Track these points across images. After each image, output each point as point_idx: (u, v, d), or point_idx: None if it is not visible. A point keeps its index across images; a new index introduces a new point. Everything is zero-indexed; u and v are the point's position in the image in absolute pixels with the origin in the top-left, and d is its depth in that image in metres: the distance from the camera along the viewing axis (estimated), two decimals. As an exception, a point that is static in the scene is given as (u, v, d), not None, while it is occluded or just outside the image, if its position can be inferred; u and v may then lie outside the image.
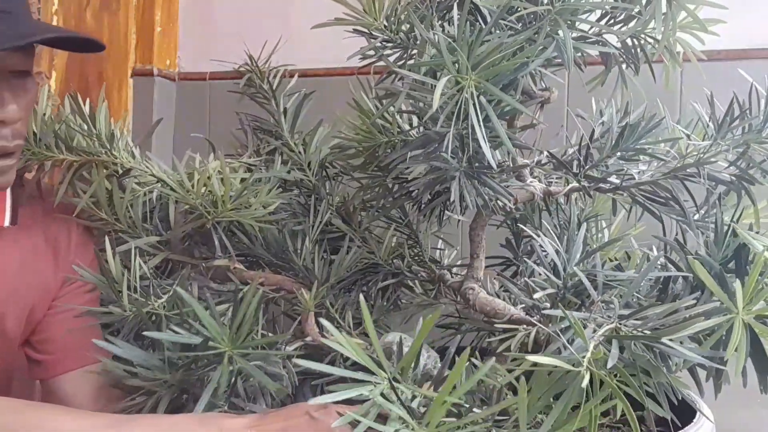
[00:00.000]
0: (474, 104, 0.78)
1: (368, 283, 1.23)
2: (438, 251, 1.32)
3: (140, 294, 1.01)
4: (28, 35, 0.95)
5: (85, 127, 1.12)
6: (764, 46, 1.44)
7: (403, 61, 1.00)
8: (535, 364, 0.67)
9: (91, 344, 1.04)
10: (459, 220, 1.14)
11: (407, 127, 1.10)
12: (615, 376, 0.71)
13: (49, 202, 1.13)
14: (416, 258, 1.24)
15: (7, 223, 1.06)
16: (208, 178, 1.05)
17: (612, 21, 1.03)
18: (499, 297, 1.07)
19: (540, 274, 0.94)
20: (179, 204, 1.10)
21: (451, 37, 0.80)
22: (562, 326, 0.77)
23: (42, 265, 1.13)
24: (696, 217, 1.04)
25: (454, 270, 1.22)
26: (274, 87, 1.32)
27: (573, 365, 0.68)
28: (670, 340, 0.73)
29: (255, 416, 0.92)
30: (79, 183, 1.14)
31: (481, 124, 0.78)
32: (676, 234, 1.01)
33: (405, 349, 1.02)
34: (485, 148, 0.79)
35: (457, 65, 0.78)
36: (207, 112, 1.83)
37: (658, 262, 0.91)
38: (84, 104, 1.13)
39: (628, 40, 1.03)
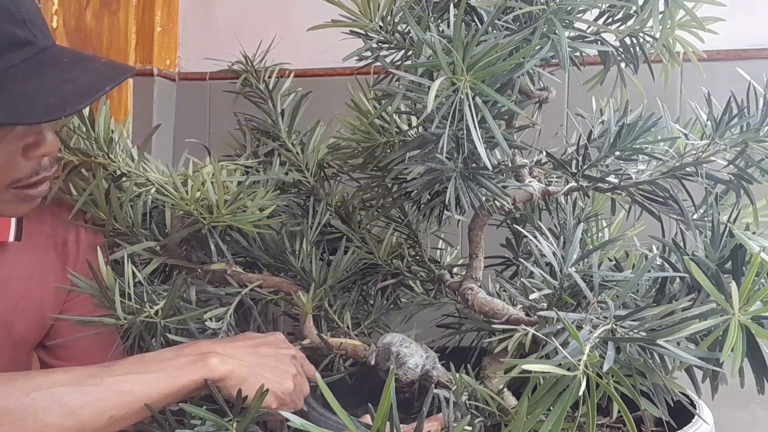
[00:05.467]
0: (469, 105, 0.78)
1: (368, 283, 1.23)
2: (438, 251, 1.32)
3: (135, 301, 1.01)
4: (94, 89, 0.93)
5: (84, 129, 1.12)
6: (764, 46, 1.44)
7: (400, 62, 1.00)
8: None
9: (107, 348, 1.05)
10: (459, 220, 1.14)
11: (406, 127, 1.10)
12: (611, 377, 0.71)
13: (53, 205, 1.13)
14: (416, 258, 1.23)
15: (11, 238, 1.06)
16: (202, 183, 1.05)
17: (610, 20, 1.03)
18: (499, 297, 1.07)
19: (538, 275, 0.94)
20: (175, 209, 1.10)
21: (447, 37, 0.80)
22: (558, 327, 0.77)
23: (50, 271, 1.13)
24: (695, 216, 1.03)
25: (454, 270, 1.22)
26: (270, 87, 1.32)
27: (569, 369, 0.68)
28: (667, 341, 0.73)
29: (228, 338, 1.04)
30: (80, 181, 1.14)
31: (477, 124, 0.78)
32: (676, 234, 1.01)
33: (405, 351, 1.02)
34: (480, 148, 0.79)
35: (452, 66, 0.78)
36: (207, 112, 1.83)
37: (657, 263, 0.91)
38: (85, 106, 1.13)
39: (627, 39, 1.03)
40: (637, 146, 1.00)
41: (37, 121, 0.90)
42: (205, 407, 0.90)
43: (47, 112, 0.89)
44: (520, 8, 0.86)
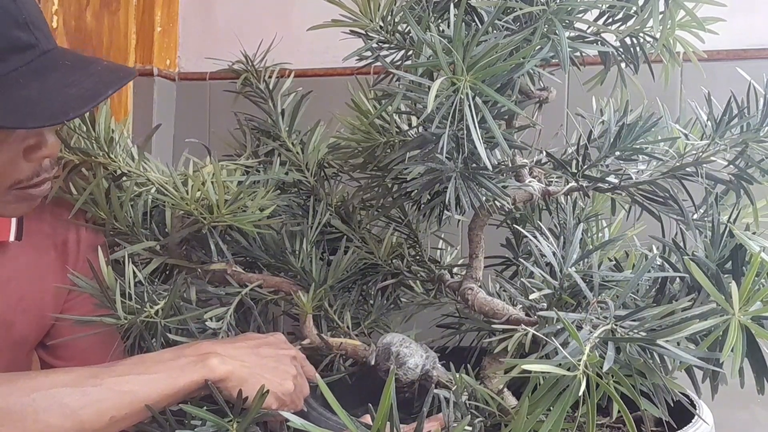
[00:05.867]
0: (469, 105, 0.78)
1: (368, 283, 1.23)
2: (438, 251, 1.32)
3: (135, 301, 1.01)
4: (95, 94, 0.92)
5: (84, 128, 1.12)
6: (764, 46, 1.44)
7: (400, 62, 1.00)
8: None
9: (108, 347, 1.05)
10: (459, 220, 1.14)
11: (406, 127, 1.10)
12: (611, 377, 0.71)
13: (54, 204, 1.13)
14: (416, 258, 1.23)
15: (12, 238, 1.07)
16: (202, 183, 1.05)
17: (610, 20, 1.03)
18: (499, 297, 1.07)
19: (538, 275, 0.94)
20: (175, 209, 1.10)
21: (447, 37, 0.80)
22: (558, 327, 0.77)
23: (50, 271, 1.13)
24: (695, 216, 1.03)
25: (454, 270, 1.22)
26: (270, 87, 1.32)
27: (568, 369, 0.68)
28: (666, 341, 0.73)
29: (228, 338, 1.04)
30: (80, 181, 1.14)
31: (477, 124, 0.78)
32: (676, 234, 1.01)
33: (405, 351, 1.02)
34: (480, 148, 0.79)
35: (452, 66, 0.78)
36: (207, 112, 1.83)
37: (657, 263, 0.91)
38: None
39: (627, 39, 1.03)
40: (637, 146, 1.00)
41: (40, 126, 0.90)
42: (205, 408, 0.90)
43: (50, 116, 0.89)
44: (520, 8, 0.86)
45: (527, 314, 0.98)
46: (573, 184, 1.03)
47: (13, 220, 1.07)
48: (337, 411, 0.66)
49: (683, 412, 0.95)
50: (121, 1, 1.81)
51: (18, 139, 0.94)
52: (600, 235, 1.21)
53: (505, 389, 1.01)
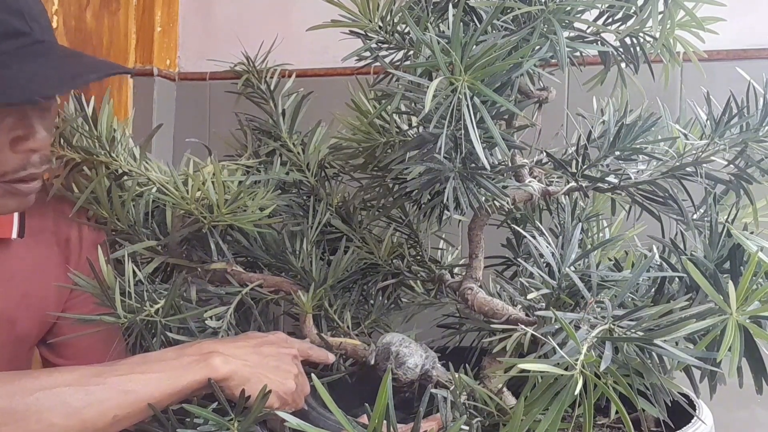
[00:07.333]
0: (467, 105, 0.78)
1: (368, 283, 1.23)
2: (439, 251, 1.32)
3: (135, 300, 1.01)
4: (76, 76, 0.93)
5: (86, 127, 1.13)
6: (764, 46, 1.44)
7: (399, 62, 1.01)
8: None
9: (109, 346, 1.06)
10: (459, 220, 1.14)
11: (406, 127, 1.10)
12: (609, 376, 0.71)
13: (56, 201, 1.14)
14: (416, 258, 1.23)
15: (14, 235, 1.07)
16: (203, 183, 1.05)
17: (610, 20, 1.03)
18: (499, 297, 1.07)
19: (537, 275, 0.94)
20: (176, 208, 1.10)
21: (446, 38, 0.80)
22: (556, 327, 0.77)
23: (52, 269, 1.13)
24: (695, 216, 1.03)
25: (455, 270, 1.22)
26: (271, 87, 1.32)
27: (566, 369, 0.68)
28: (664, 341, 0.73)
29: (230, 337, 1.04)
30: (82, 179, 1.14)
31: (475, 124, 0.78)
32: (675, 234, 1.01)
33: (404, 350, 1.02)
34: (478, 148, 0.79)
35: (450, 66, 0.78)
36: (207, 112, 1.83)
37: (656, 263, 0.91)
38: (87, 104, 1.13)
39: (627, 39, 1.03)
40: (637, 146, 1.00)
41: (6, 101, 0.90)
42: (209, 408, 0.90)
43: (22, 93, 0.89)
44: (518, 8, 0.86)
45: (527, 314, 0.98)
46: (573, 184, 1.03)
47: (16, 217, 1.07)
48: (333, 410, 0.66)
49: (684, 413, 0.95)
50: (121, 1, 1.82)
51: (5, 129, 0.93)
52: (600, 235, 1.21)
53: (504, 389, 1.01)
